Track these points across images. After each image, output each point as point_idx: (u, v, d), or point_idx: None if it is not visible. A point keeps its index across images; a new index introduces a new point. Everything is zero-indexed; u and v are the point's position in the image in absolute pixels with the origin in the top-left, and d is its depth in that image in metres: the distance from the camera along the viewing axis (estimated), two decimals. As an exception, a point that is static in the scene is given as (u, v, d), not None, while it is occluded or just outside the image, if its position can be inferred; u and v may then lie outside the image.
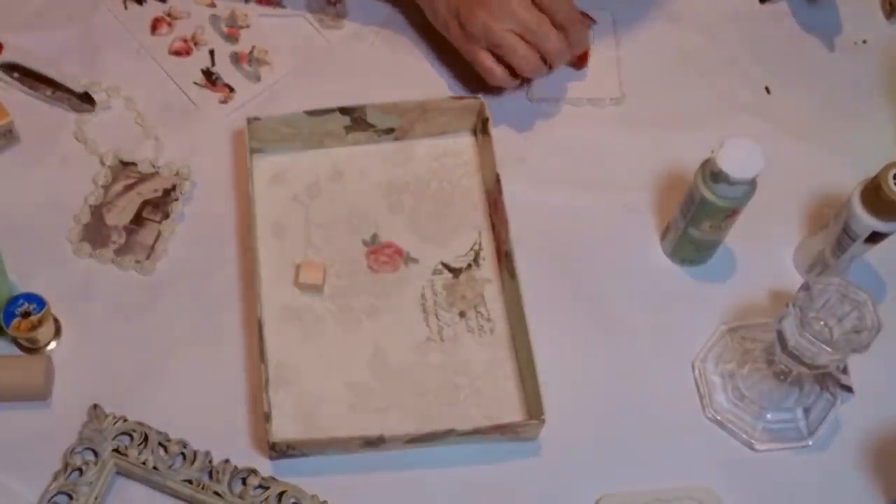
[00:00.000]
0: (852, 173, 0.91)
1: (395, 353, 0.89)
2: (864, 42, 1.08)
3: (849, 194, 0.87)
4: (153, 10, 1.04)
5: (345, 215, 0.95)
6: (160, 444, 0.83)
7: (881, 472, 0.87)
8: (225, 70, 1.01)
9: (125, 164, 0.95)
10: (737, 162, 0.83)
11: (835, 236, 0.89)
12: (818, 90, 1.05)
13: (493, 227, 0.94)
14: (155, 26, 1.03)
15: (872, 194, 0.85)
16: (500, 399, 0.87)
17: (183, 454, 0.83)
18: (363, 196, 0.96)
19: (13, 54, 0.99)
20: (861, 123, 1.03)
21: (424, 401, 0.87)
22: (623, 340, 0.91)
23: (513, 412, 0.87)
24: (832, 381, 0.88)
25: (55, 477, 0.82)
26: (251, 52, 1.02)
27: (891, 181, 0.83)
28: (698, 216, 0.88)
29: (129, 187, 0.95)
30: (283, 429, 0.85)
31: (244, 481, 0.82)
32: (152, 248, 0.92)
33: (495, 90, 1.00)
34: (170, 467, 0.82)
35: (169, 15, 1.04)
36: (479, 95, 0.96)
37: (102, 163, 0.95)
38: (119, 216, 0.93)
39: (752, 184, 0.85)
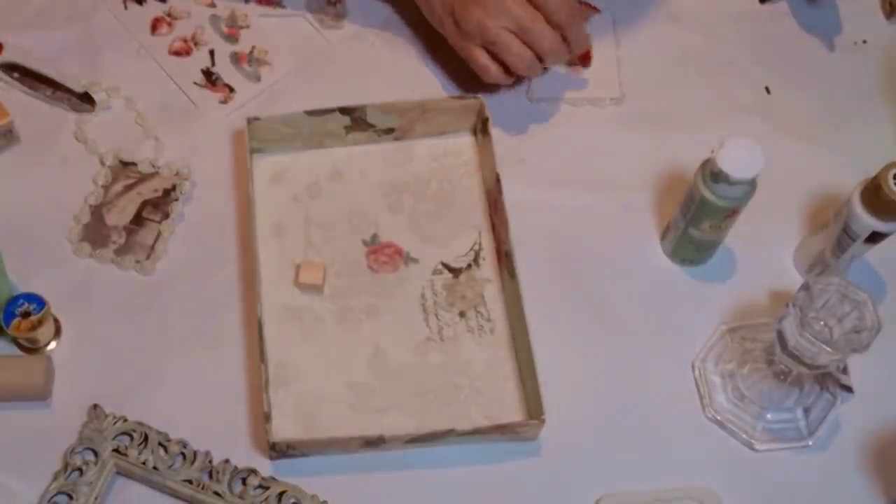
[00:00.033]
0: (852, 173, 0.91)
1: (395, 353, 0.89)
2: (864, 42, 1.08)
3: (849, 194, 0.87)
4: (153, 10, 1.04)
5: (345, 215, 0.95)
6: (160, 444, 0.83)
7: (881, 472, 0.87)
8: (225, 70, 1.01)
9: (125, 164, 0.95)
10: (737, 162, 0.83)
11: (835, 236, 0.89)
12: (818, 90, 1.05)
13: (493, 227, 0.94)
14: (155, 26, 1.03)
15: (872, 194, 0.85)
16: (500, 399, 0.87)
17: (183, 454, 0.83)
18: (363, 196, 0.96)
19: (13, 54, 0.99)
20: (861, 123, 1.03)
21: (424, 401, 0.87)
22: (623, 340, 0.91)
23: (513, 412, 0.87)
24: (832, 381, 0.88)
25: (55, 477, 0.82)
26: (251, 52, 1.02)
27: (891, 181, 0.83)
28: (698, 216, 0.88)
29: (129, 187, 0.95)
30: (283, 429, 0.85)
31: (244, 481, 0.82)
32: (152, 248, 0.92)
33: (493, 89, 1.00)
34: (170, 467, 0.82)
35: (169, 15, 1.04)
36: (479, 95, 0.96)
37: (102, 163, 0.95)
38: (119, 216, 0.93)
39: (752, 184, 0.85)
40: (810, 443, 0.87)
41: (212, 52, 1.02)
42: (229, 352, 0.88)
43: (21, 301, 0.85)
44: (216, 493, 0.81)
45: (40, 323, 0.85)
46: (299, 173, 0.96)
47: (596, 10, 1.02)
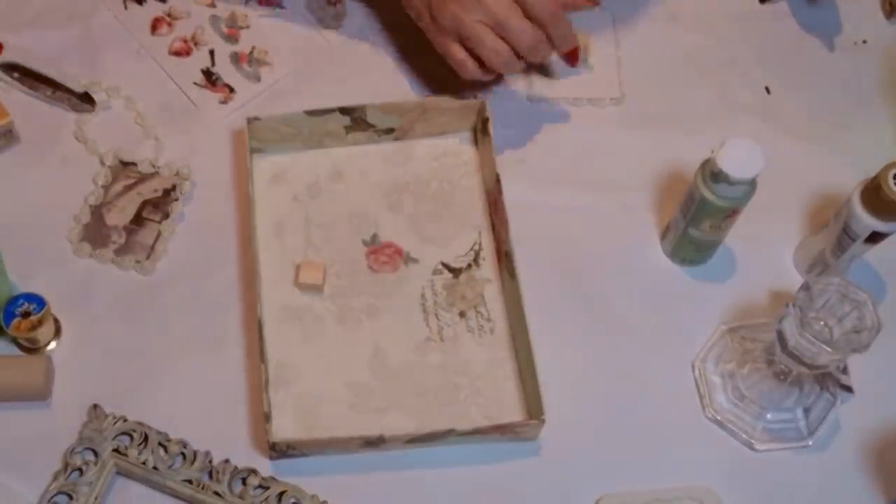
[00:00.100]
0: (852, 173, 0.91)
1: (395, 353, 0.89)
2: (864, 42, 1.08)
3: (849, 194, 0.87)
4: (153, 10, 1.04)
5: (345, 215, 0.95)
6: (160, 444, 0.83)
7: (881, 472, 0.87)
8: (225, 70, 1.01)
9: (125, 164, 0.95)
10: (737, 162, 0.83)
11: (835, 236, 0.89)
12: (818, 90, 1.05)
13: (493, 227, 0.94)
14: (155, 26, 1.03)
15: (872, 194, 0.85)
16: (500, 399, 0.87)
17: (183, 454, 0.83)
18: (363, 196, 0.96)
19: (13, 54, 0.99)
20: (861, 123, 1.03)
21: (424, 401, 0.87)
22: (623, 340, 0.91)
23: (513, 412, 0.87)
24: (832, 381, 0.88)
25: (55, 477, 0.82)
26: (251, 52, 1.02)
27: (891, 181, 0.83)
28: (698, 216, 0.88)
29: (129, 187, 0.95)
30: (283, 429, 0.85)
31: (244, 481, 0.82)
32: (152, 248, 0.92)
33: (486, 87, 1.00)
34: (170, 467, 0.82)
35: (169, 15, 1.04)
36: (479, 95, 0.97)
37: (102, 163, 0.95)
38: (119, 216, 0.93)
39: (752, 184, 0.85)
40: (810, 443, 0.87)
41: (212, 53, 1.02)
42: (229, 352, 0.88)
43: (21, 301, 0.85)
44: (216, 493, 0.81)
45: (40, 323, 0.85)
46: (299, 173, 0.96)
47: (595, 2, 0.99)
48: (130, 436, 0.83)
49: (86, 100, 0.98)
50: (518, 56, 0.91)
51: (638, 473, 0.85)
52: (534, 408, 0.85)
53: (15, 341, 0.87)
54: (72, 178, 0.95)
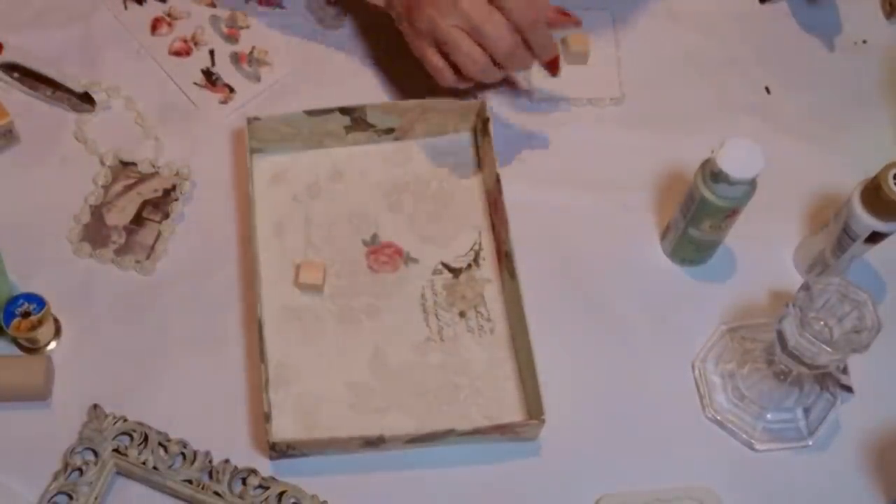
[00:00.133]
0: (852, 173, 0.91)
1: (395, 353, 0.89)
2: (864, 42, 1.08)
3: (849, 194, 0.87)
4: (153, 10, 1.04)
5: (345, 215, 0.95)
6: (160, 444, 0.83)
7: (881, 473, 0.87)
8: (225, 70, 1.01)
9: (125, 164, 0.95)
10: (737, 162, 0.83)
11: (835, 236, 0.89)
12: (818, 90, 1.05)
13: (493, 227, 0.94)
14: (155, 26, 1.03)
15: (872, 194, 0.85)
16: (500, 399, 0.87)
17: (183, 454, 0.83)
18: (363, 196, 0.96)
19: (13, 54, 0.99)
20: (861, 123, 1.03)
21: (424, 401, 0.87)
22: (623, 340, 0.91)
23: (513, 412, 0.87)
24: (832, 381, 0.88)
25: (55, 477, 0.82)
26: (251, 52, 1.02)
27: (891, 181, 0.83)
28: (698, 216, 0.88)
29: (129, 187, 0.95)
30: (283, 429, 0.85)
31: (244, 481, 0.82)
32: (152, 248, 0.92)
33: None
34: (170, 467, 0.82)
35: (169, 15, 1.04)
36: (479, 95, 0.97)
37: (102, 163, 0.95)
38: (119, 216, 0.93)
39: (752, 184, 0.85)
40: (810, 443, 0.87)
41: (212, 53, 1.02)
42: (229, 352, 0.88)
43: (21, 301, 0.85)
44: (216, 493, 0.81)
45: (40, 323, 0.85)
46: (299, 173, 0.96)
47: (577, 22, 0.94)
48: (130, 436, 0.83)
49: (86, 100, 0.98)
50: (496, 64, 0.88)
51: (638, 473, 0.85)
52: (534, 408, 0.85)
53: (15, 341, 0.87)
54: (72, 178, 0.95)
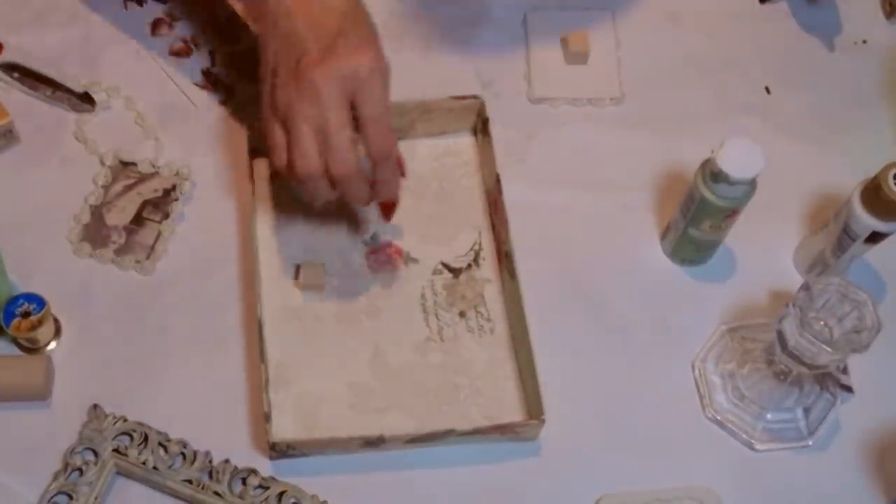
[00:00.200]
0: (852, 173, 0.91)
1: (395, 353, 0.89)
2: (864, 42, 1.08)
3: (849, 194, 0.87)
4: (153, 10, 1.04)
5: (345, 215, 0.95)
6: (160, 444, 0.83)
7: (881, 473, 0.87)
8: (225, 70, 1.01)
9: (125, 164, 0.95)
10: (737, 162, 0.83)
11: (835, 236, 0.89)
12: (818, 90, 1.05)
13: (493, 227, 0.94)
14: (155, 27, 1.03)
15: (872, 194, 0.85)
16: (500, 399, 0.87)
17: (183, 454, 0.83)
18: (363, 196, 0.96)
19: (13, 54, 0.99)
20: (861, 123, 1.03)
21: (424, 401, 0.87)
22: (623, 340, 0.91)
23: (513, 412, 0.87)
24: (832, 381, 0.88)
25: (55, 477, 0.82)
26: (251, 52, 1.02)
27: (891, 181, 0.83)
28: (698, 216, 0.88)
29: (129, 187, 0.95)
30: (283, 429, 0.85)
31: (244, 481, 0.82)
32: (152, 248, 0.92)
33: (500, 93, 1.00)
34: (170, 467, 0.82)
35: (169, 15, 1.03)
36: (479, 95, 0.97)
37: (102, 163, 0.95)
38: (119, 216, 0.93)
39: (752, 184, 0.85)
40: (810, 443, 0.87)
41: (212, 53, 1.02)
42: (229, 352, 0.88)
43: (21, 301, 0.85)
44: (216, 493, 0.81)
45: (40, 323, 0.85)
46: (299, 173, 0.96)
47: (403, 173, 0.87)
48: (130, 436, 0.83)
49: (86, 100, 0.98)
50: (329, 179, 0.80)
51: (638, 473, 0.85)
52: (534, 408, 0.85)
53: (15, 341, 0.87)
54: (72, 178, 0.94)
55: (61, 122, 0.97)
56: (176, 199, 0.94)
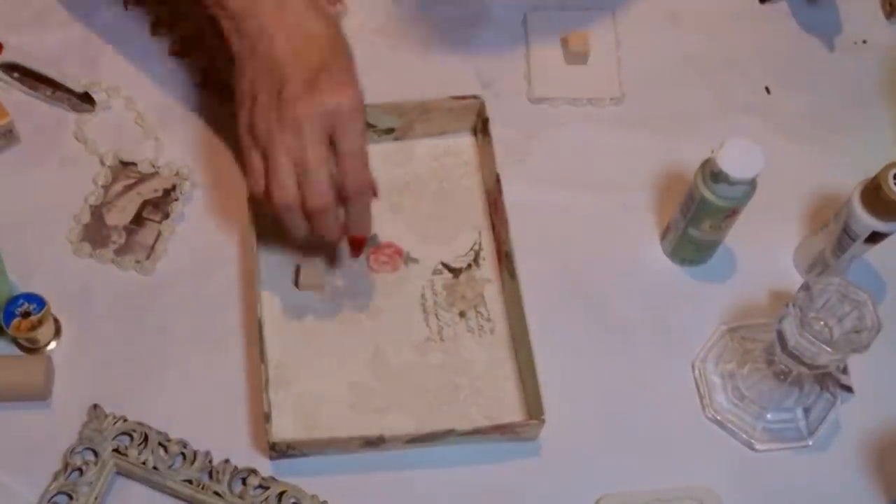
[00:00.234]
0: (852, 173, 0.91)
1: (395, 353, 0.89)
2: (864, 42, 1.08)
3: (849, 194, 0.87)
4: (153, 10, 1.04)
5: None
6: (160, 444, 0.83)
7: (881, 473, 0.87)
8: (225, 70, 1.01)
9: (125, 164, 0.95)
10: (737, 162, 0.83)
11: (835, 236, 0.89)
12: (818, 90, 1.05)
13: (493, 227, 0.94)
14: (155, 27, 1.03)
15: (872, 194, 0.85)
16: (500, 399, 0.87)
17: (183, 454, 0.83)
18: (363, 196, 0.96)
19: (13, 54, 0.99)
20: (861, 123, 1.03)
21: (424, 401, 0.87)
22: (623, 340, 0.91)
23: (513, 412, 0.87)
24: (832, 381, 0.88)
25: (55, 477, 0.82)
26: (251, 52, 1.02)
27: (891, 181, 0.83)
28: (698, 216, 0.88)
29: (129, 187, 0.95)
30: (283, 429, 0.85)
31: (244, 481, 0.82)
32: (152, 248, 0.92)
33: (500, 93, 1.00)
34: (170, 467, 0.82)
35: (169, 15, 1.03)
36: (479, 95, 0.97)
37: (102, 163, 0.95)
38: (119, 216, 0.93)
39: (752, 184, 0.85)
40: (810, 443, 0.87)
41: (212, 53, 1.02)
42: (229, 352, 0.88)
43: (21, 301, 0.85)
44: (216, 493, 0.81)
45: (40, 323, 0.85)
46: (299, 173, 0.96)
47: (376, 194, 0.85)
48: (130, 436, 0.83)
49: (86, 100, 0.98)
50: (304, 211, 0.81)
51: (638, 473, 0.85)
52: (534, 408, 0.85)
53: (15, 341, 0.87)
54: (72, 178, 0.95)
55: (61, 122, 0.97)
56: (176, 199, 0.94)
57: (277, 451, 0.83)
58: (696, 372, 0.90)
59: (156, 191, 0.94)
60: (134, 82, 1.00)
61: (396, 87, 1.00)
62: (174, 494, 0.82)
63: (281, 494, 0.82)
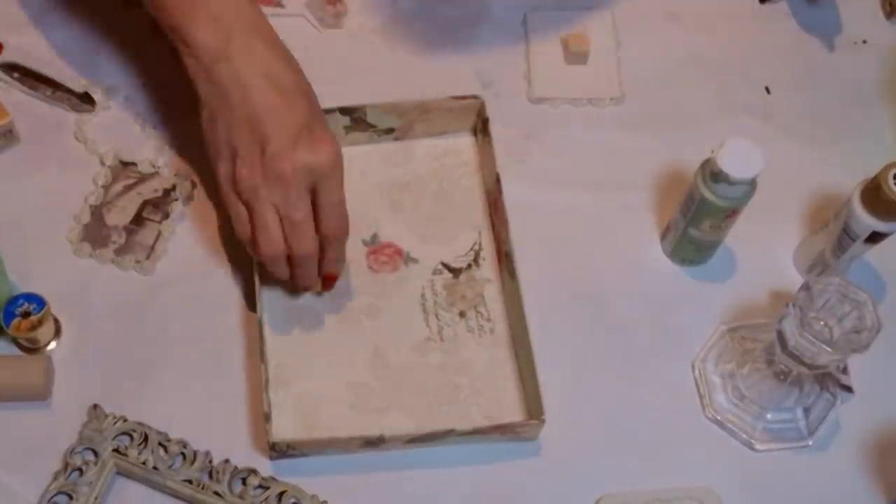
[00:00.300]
0: (852, 173, 0.91)
1: (395, 353, 0.89)
2: (864, 42, 1.08)
3: (849, 194, 0.87)
4: (153, 10, 1.04)
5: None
6: (160, 444, 0.83)
7: (881, 473, 0.87)
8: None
9: (125, 164, 0.95)
10: (737, 162, 0.83)
11: (835, 236, 0.89)
12: (818, 90, 1.05)
13: (493, 227, 0.94)
14: (155, 26, 1.03)
15: (872, 194, 0.85)
16: (500, 399, 0.87)
17: (183, 454, 0.83)
18: (363, 196, 0.96)
19: (13, 54, 0.99)
20: (861, 123, 1.03)
21: (424, 401, 0.87)
22: (623, 340, 0.91)
23: (513, 412, 0.87)
24: (832, 381, 0.88)
25: (55, 477, 0.82)
26: (251, 52, 1.02)
27: (891, 181, 0.83)
28: (698, 216, 0.88)
29: (129, 187, 0.95)
30: (283, 429, 0.85)
31: (244, 481, 0.82)
32: (152, 248, 0.92)
33: (498, 93, 1.00)
34: (170, 467, 0.82)
35: (169, 15, 1.03)
36: (479, 95, 0.97)
37: (102, 163, 0.95)
38: (119, 216, 0.93)
39: (752, 184, 0.85)
40: (810, 443, 0.87)
41: (212, 52, 1.02)
42: (229, 352, 0.88)
43: (21, 301, 0.85)
44: (216, 493, 0.81)
45: (40, 323, 0.85)
46: (299, 173, 0.96)
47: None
48: (130, 436, 0.83)
49: (86, 100, 0.98)
50: (289, 257, 0.84)
51: (638, 473, 0.85)
52: (534, 408, 0.85)
53: (15, 341, 0.87)
54: (72, 178, 0.95)
55: (61, 122, 0.97)
56: (176, 199, 0.94)
57: (277, 451, 0.83)
58: (696, 372, 0.90)
59: (156, 191, 0.95)
60: (134, 82, 1.00)
61: (396, 87, 1.00)
62: (174, 494, 0.82)
63: (281, 494, 0.82)
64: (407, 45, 1.04)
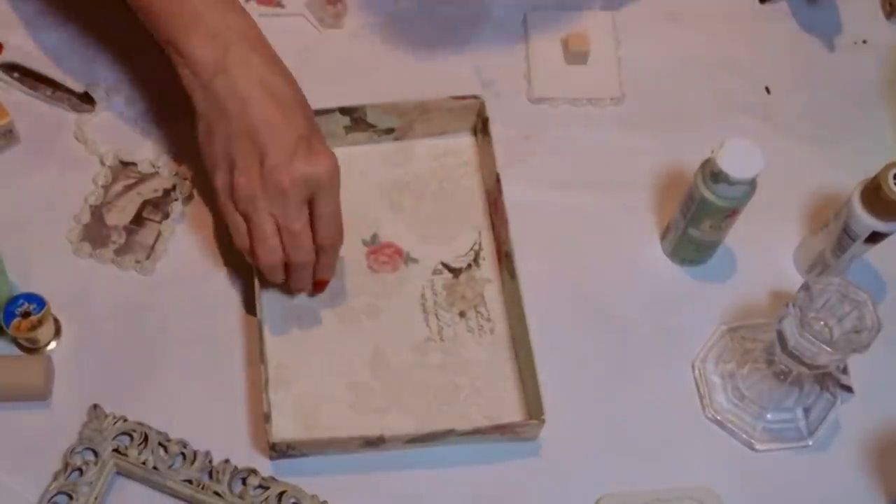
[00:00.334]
0: (852, 173, 0.91)
1: (395, 353, 0.89)
2: (864, 42, 1.08)
3: (849, 194, 0.87)
4: (153, 10, 1.04)
5: (344, 215, 0.94)
6: (160, 444, 0.83)
7: (881, 473, 0.87)
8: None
9: (125, 164, 0.95)
10: (737, 162, 0.83)
11: (835, 236, 0.89)
12: (818, 90, 1.05)
13: (493, 227, 0.94)
14: (155, 26, 1.03)
15: (872, 194, 0.85)
16: (500, 399, 0.87)
17: (183, 454, 0.83)
18: (363, 196, 0.96)
19: (13, 54, 0.99)
20: (861, 123, 1.03)
21: (424, 401, 0.87)
22: (623, 340, 0.91)
23: (513, 412, 0.87)
24: (832, 381, 0.88)
25: (55, 477, 0.82)
26: (251, 52, 1.02)
27: (891, 181, 0.83)
28: (698, 216, 0.88)
29: (129, 187, 0.95)
30: (283, 429, 0.85)
31: (244, 481, 0.82)
32: (152, 248, 0.92)
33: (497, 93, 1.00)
34: (170, 467, 0.82)
35: (169, 15, 1.03)
36: (479, 95, 0.97)
37: (102, 163, 0.95)
38: (119, 216, 0.93)
39: (752, 184, 0.85)
40: (810, 443, 0.87)
41: (212, 52, 1.02)
42: (229, 352, 0.88)
43: (21, 301, 0.85)
44: (216, 493, 0.81)
45: (40, 323, 0.85)
46: (299, 173, 0.96)
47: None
48: (130, 436, 0.83)
49: (86, 100, 0.98)
50: (286, 264, 0.85)
51: (638, 473, 0.85)
52: (534, 408, 0.84)
53: (15, 341, 0.87)
54: (72, 178, 0.95)
55: (61, 122, 0.97)
56: (176, 199, 0.94)
57: (277, 451, 0.83)
58: (696, 372, 0.90)
59: (156, 191, 0.95)
60: (134, 82, 1.00)
61: (396, 87, 1.00)
62: (174, 494, 0.82)
63: (281, 494, 0.82)
64: (407, 45, 1.04)
